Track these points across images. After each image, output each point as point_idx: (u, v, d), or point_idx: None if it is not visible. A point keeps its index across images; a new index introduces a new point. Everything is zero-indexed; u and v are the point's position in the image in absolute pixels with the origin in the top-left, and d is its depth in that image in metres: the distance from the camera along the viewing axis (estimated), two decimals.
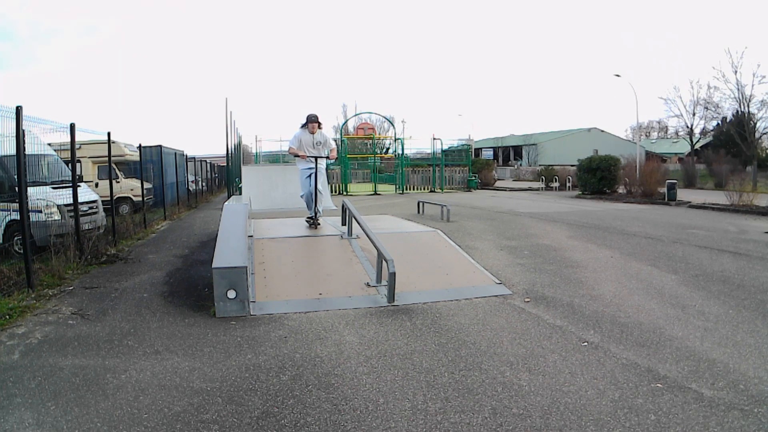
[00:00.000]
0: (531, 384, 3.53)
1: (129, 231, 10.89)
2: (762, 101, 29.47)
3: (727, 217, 13.95)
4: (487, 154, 54.20)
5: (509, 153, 60.78)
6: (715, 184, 27.03)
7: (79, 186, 8.24)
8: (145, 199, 13.55)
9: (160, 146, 15.81)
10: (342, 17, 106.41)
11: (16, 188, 6.10)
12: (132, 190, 15.36)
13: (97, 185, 13.72)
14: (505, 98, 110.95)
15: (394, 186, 30.36)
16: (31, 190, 6.68)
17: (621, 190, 22.98)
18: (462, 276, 6.55)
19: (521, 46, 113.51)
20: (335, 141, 38.10)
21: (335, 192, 25.56)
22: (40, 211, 7.92)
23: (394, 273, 5.39)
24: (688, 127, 36.80)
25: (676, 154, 53.86)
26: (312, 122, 8.29)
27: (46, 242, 7.30)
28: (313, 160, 8.25)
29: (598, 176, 23.30)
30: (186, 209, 18.19)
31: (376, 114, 43.78)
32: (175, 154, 18.25)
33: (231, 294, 5.12)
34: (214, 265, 5.26)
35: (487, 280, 6.42)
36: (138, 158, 13.57)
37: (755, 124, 30.20)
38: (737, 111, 31.71)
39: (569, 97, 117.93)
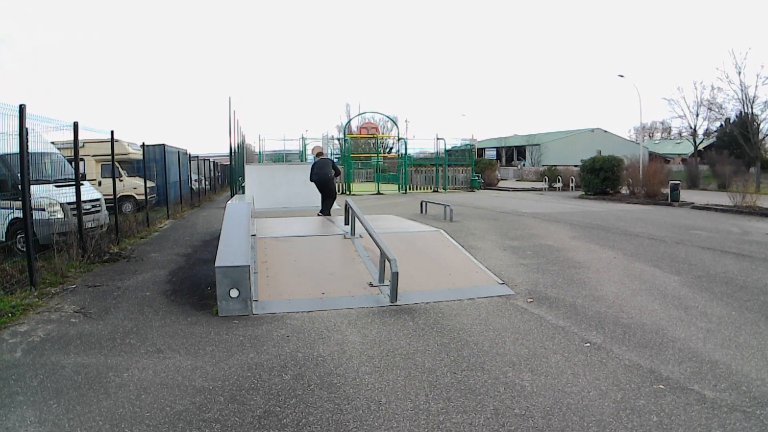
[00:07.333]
0: (533, 384, 3.52)
1: (132, 229, 10.90)
2: (766, 102, 29.45)
3: (731, 219, 13.90)
4: (491, 154, 54.18)
5: (512, 153, 60.65)
6: (718, 185, 26.96)
7: (82, 184, 8.25)
8: (148, 197, 13.56)
9: (164, 145, 15.81)
10: (346, 16, 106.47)
11: (19, 186, 6.11)
12: (135, 188, 15.36)
13: (100, 183, 13.75)
14: (508, 98, 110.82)
15: (397, 186, 30.34)
16: (34, 188, 6.69)
17: (624, 190, 22.92)
18: (465, 276, 6.54)
19: (525, 46, 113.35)
20: (338, 141, 38.31)
21: (338, 191, 25.50)
22: (43, 209, 7.93)
23: (397, 273, 5.38)
24: (691, 128, 36.78)
25: (679, 154, 53.67)
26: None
27: (49, 240, 7.31)
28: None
29: (601, 177, 23.24)
30: (189, 208, 18.22)
31: (379, 114, 44.03)
32: (179, 152, 18.24)
33: (234, 293, 5.12)
34: (216, 264, 5.26)
35: (489, 281, 6.41)
36: (141, 157, 13.60)
37: (759, 125, 30.13)
38: (741, 112, 31.66)
39: (573, 98, 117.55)
